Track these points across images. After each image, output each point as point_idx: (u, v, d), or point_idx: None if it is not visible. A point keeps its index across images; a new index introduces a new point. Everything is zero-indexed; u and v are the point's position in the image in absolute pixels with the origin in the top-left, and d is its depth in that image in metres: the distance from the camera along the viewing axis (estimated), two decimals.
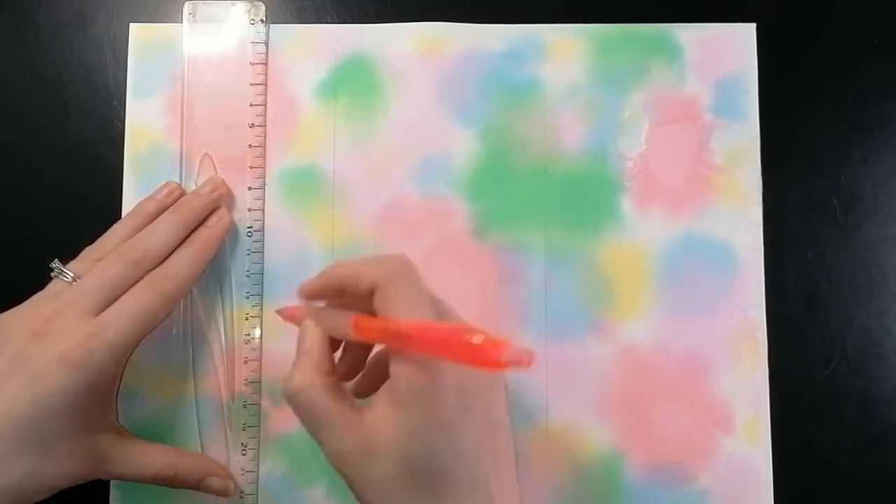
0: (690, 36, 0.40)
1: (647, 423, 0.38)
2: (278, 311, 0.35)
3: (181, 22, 0.41)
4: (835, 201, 0.40)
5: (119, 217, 0.39)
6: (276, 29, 0.41)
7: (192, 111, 0.40)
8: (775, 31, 0.40)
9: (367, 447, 0.28)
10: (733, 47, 0.40)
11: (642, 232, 0.39)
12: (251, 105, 0.40)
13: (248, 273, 0.39)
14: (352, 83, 0.40)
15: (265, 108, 0.40)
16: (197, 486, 0.36)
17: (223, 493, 0.37)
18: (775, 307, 0.39)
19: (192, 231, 0.38)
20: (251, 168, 0.40)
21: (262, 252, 0.40)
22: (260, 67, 0.40)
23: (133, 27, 0.41)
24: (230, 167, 0.40)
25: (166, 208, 0.38)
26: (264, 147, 0.40)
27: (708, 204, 0.39)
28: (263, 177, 0.40)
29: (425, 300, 0.29)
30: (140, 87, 0.40)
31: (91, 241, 0.39)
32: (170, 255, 0.36)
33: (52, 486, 0.33)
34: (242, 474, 0.38)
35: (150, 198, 0.38)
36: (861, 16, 0.41)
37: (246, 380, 0.39)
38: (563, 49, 0.40)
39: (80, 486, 0.37)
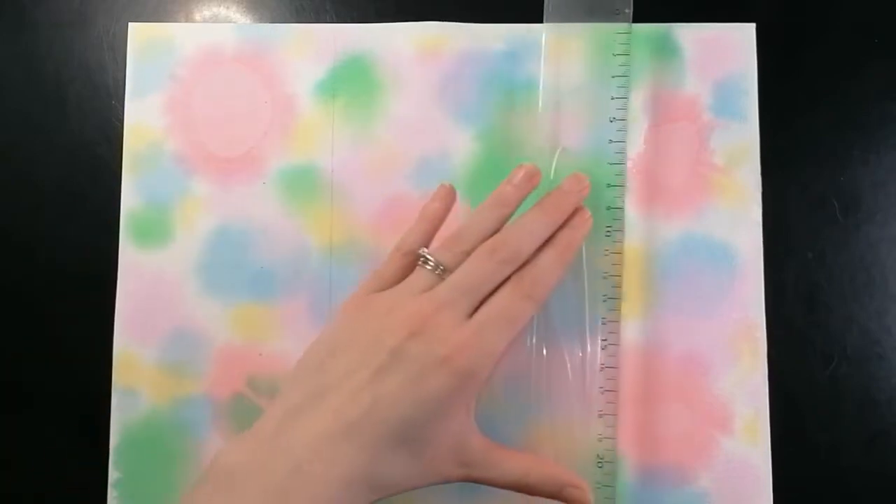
0: (690, 36, 0.40)
1: (647, 423, 0.38)
2: None
3: (180, 22, 0.41)
4: (835, 201, 0.40)
5: (118, 217, 0.40)
6: (276, 29, 0.41)
7: (192, 111, 0.40)
8: (775, 31, 0.40)
9: None
10: (733, 47, 0.40)
11: (642, 232, 0.39)
12: (252, 105, 0.40)
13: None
14: (351, 83, 0.40)
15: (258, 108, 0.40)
16: (554, 496, 0.35)
17: (580, 503, 0.35)
18: (775, 307, 0.39)
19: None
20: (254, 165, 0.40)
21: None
22: (257, 67, 0.40)
23: (132, 27, 0.41)
24: (230, 167, 0.40)
25: (525, 194, 0.36)
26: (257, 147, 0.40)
27: (708, 204, 0.39)
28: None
29: None
30: (139, 87, 0.40)
31: (91, 241, 0.39)
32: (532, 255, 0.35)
33: (413, 486, 0.33)
34: None
35: (509, 184, 0.36)
36: (861, 16, 0.41)
37: (248, 379, 0.39)
38: (563, 49, 0.40)
39: (80, 487, 0.37)
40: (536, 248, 0.35)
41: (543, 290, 0.35)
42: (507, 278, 0.34)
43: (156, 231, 0.40)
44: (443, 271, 0.34)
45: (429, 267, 0.35)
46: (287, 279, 0.39)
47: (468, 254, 0.35)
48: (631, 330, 0.39)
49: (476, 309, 0.34)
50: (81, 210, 0.40)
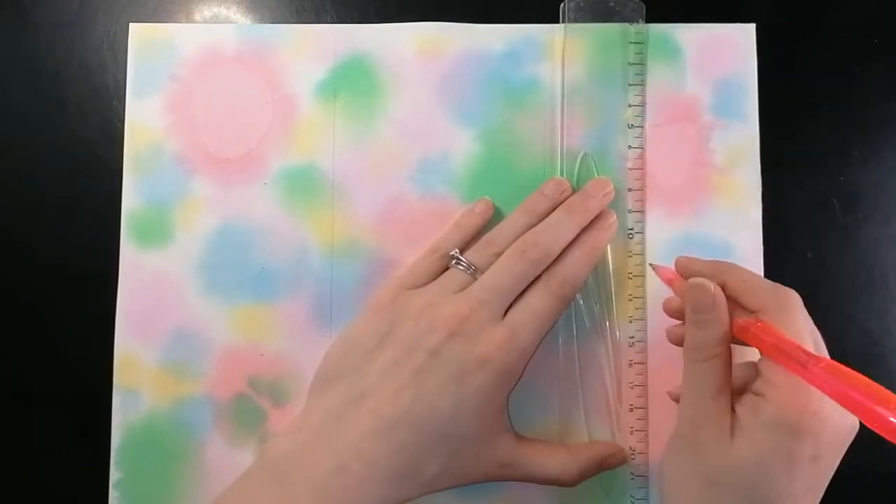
0: (690, 36, 0.40)
1: (647, 423, 0.38)
2: (654, 266, 0.36)
3: (181, 22, 0.41)
4: (835, 201, 0.40)
5: (118, 217, 0.40)
6: (276, 29, 0.41)
7: (192, 111, 0.40)
8: (775, 32, 0.40)
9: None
10: (733, 47, 0.40)
11: (642, 232, 0.39)
12: (252, 105, 0.40)
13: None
14: (351, 83, 0.40)
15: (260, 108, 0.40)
16: (596, 474, 0.37)
17: (623, 464, 0.37)
18: None
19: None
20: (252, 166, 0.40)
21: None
22: (257, 67, 0.40)
23: (133, 27, 0.41)
24: (231, 167, 0.40)
25: (555, 204, 0.38)
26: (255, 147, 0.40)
27: (708, 204, 0.39)
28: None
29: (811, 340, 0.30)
30: (140, 87, 0.40)
31: (91, 241, 0.39)
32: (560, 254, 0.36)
33: (453, 485, 0.34)
34: None
35: (541, 195, 0.38)
36: (861, 16, 0.41)
37: (249, 379, 0.39)
38: (563, 49, 0.40)
39: (80, 486, 0.37)
40: (563, 249, 0.36)
41: (572, 288, 0.36)
42: (537, 278, 0.36)
43: (156, 231, 0.40)
44: (475, 272, 0.36)
45: (461, 267, 0.36)
46: (288, 279, 0.39)
47: (499, 255, 0.36)
48: (631, 330, 0.39)
49: (508, 308, 0.35)
50: (81, 210, 0.40)
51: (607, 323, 0.39)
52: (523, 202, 0.38)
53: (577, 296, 0.38)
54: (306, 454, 0.32)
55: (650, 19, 0.40)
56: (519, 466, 0.35)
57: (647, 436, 0.38)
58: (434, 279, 0.36)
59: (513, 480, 0.35)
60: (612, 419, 0.38)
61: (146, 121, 0.40)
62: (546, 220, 0.37)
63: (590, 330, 0.39)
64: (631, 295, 0.39)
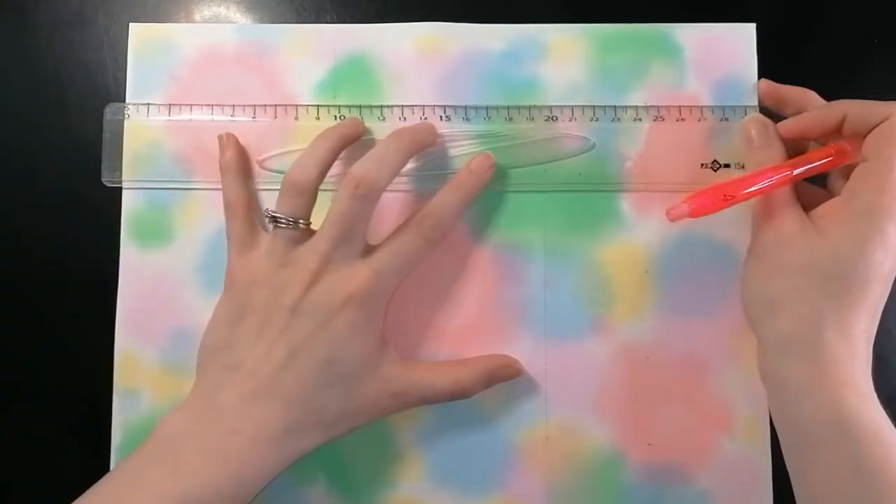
0: (690, 36, 0.40)
1: (647, 423, 0.39)
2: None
3: (180, 22, 0.41)
4: None
5: (118, 217, 0.40)
6: (276, 29, 0.41)
7: (191, 111, 0.40)
8: (775, 31, 0.40)
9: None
10: (733, 47, 0.40)
11: (642, 232, 0.39)
12: (250, 104, 0.40)
13: None
14: (351, 83, 0.40)
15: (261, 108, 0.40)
16: (490, 385, 0.37)
17: (514, 377, 0.38)
18: None
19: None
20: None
21: None
22: (257, 67, 0.40)
23: (132, 27, 0.41)
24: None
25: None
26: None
27: None
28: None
29: None
30: (139, 87, 0.40)
31: (92, 241, 0.39)
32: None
33: (353, 426, 0.34)
34: None
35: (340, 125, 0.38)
36: (861, 16, 0.41)
37: None
38: (563, 49, 0.40)
39: (82, 488, 0.37)
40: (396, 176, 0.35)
41: (442, 234, 0.36)
42: (411, 219, 0.36)
43: (156, 231, 0.40)
44: (295, 224, 0.35)
45: (282, 225, 0.35)
46: None
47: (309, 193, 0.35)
48: (631, 330, 0.39)
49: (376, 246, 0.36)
50: (81, 210, 0.40)
51: (607, 323, 0.39)
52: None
53: (577, 294, 0.38)
54: (196, 425, 0.33)
55: (650, 19, 0.40)
56: (411, 392, 0.35)
57: (618, 441, 0.38)
58: (257, 235, 0.36)
59: (410, 407, 0.36)
60: (584, 421, 0.39)
61: (146, 120, 0.40)
62: (371, 150, 0.35)
63: (587, 330, 0.39)
64: (631, 295, 0.39)
